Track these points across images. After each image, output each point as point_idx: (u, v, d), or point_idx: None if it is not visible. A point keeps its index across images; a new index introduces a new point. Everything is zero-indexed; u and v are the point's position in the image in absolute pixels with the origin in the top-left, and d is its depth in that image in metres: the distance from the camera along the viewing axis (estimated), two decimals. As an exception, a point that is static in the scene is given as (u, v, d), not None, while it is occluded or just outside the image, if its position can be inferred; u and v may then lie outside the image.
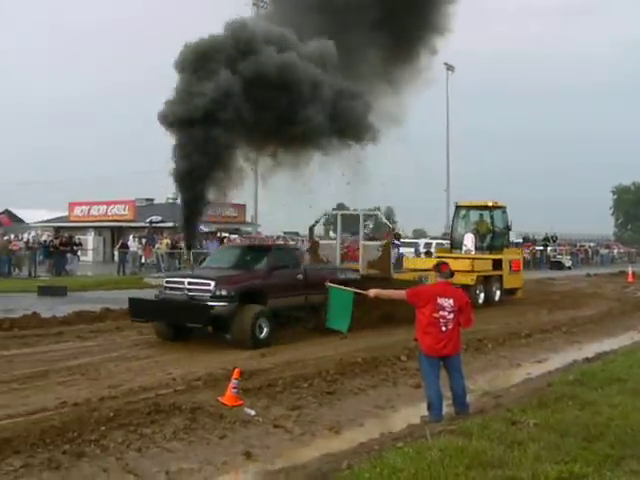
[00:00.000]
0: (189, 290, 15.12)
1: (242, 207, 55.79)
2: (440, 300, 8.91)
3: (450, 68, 65.19)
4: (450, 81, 67.24)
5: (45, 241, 37.07)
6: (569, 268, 54.92)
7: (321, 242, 21.96)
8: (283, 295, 16.10)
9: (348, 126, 18.21)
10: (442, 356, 8.99)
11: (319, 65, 17.34)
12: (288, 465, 7.75)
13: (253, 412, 9.65)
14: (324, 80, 17.34)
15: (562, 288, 33.27)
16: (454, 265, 21.94)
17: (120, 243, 38.82)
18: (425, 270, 21.87)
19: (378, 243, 21.57)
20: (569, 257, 59.55)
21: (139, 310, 15.71)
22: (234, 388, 10.03)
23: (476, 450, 6.97)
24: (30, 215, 62.01)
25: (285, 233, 52.12)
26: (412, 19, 19.45)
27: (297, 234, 51.73)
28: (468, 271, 23.44)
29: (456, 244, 26.86)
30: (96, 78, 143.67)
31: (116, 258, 38.72)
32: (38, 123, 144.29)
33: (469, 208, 27.54)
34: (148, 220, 47.90)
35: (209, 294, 14.77)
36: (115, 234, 50.90)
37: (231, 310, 14.68)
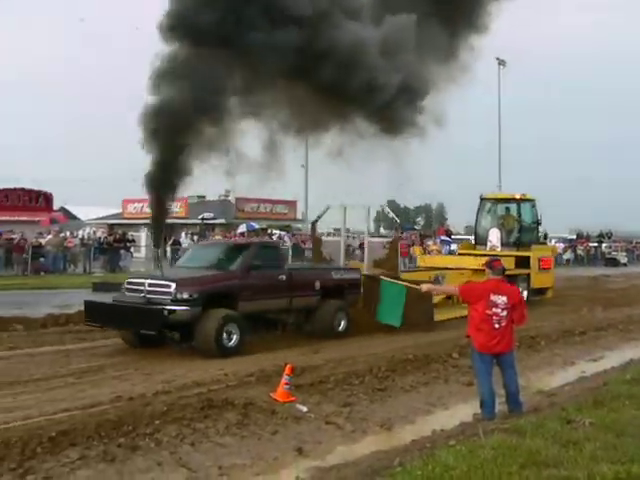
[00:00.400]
0: (149, 292, 13.65)
1: (293, 204, 56.06)
2: (493, 297, 8.82)
3: (502, 63, 64.33)
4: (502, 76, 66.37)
5: (99, 238, 37.68)
6: (625, 265, 53.97)
7: (324, 239, 20.65)
8: (260, 298, 14.63)
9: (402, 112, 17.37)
10: (495, 353, 8.90)
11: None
12: (339, 462, 7.76)
13: (305, 408, 9.67)
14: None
15: (618, 285, 32.71)
16: (469, 263, 21.52)
17: (172, 240, 39.24)
18: (441, 268, 21.15)
19: (384, 240, 20.78)
20: (625, 254, 58.47)
21: (94, 314, 14.16)
22: (286, 384, 10.07)
23: (530, 449, 6.88)
24: (85, 212, 63.05)
25: (335, 230, 52.09)
26: (455, 15, 18.91)
27: (348, 230, 51.71)
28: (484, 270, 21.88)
29: (480, 240, 25.00)
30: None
31: (168, 255, 39.14)
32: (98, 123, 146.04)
33: (495, 201, 25.69)
34: (200, 217, 48.36)
35: (169, 297, 13.28)
36: (167, 231, 51.47)
37: (194, 315, 13.29)
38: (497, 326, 8.78)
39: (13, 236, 32.82)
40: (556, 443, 7.18)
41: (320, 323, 15.87)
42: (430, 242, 37.66)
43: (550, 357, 14.33)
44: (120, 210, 58.06)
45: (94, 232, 42.63)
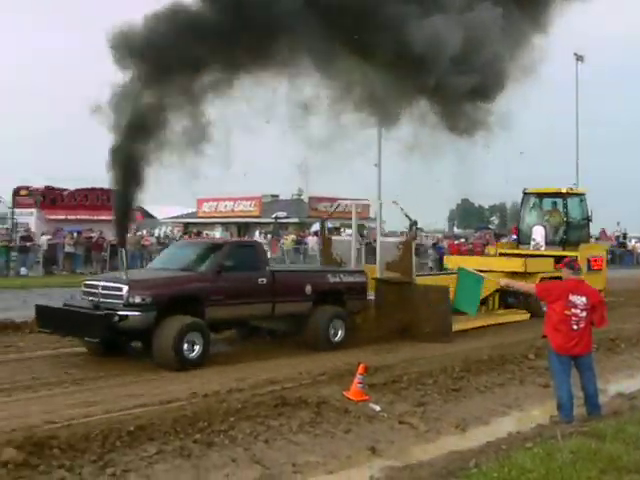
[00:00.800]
0: (102, 296, 12.48)
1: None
2: (572, 297, 8.64)
3: (580, 58, 62.89)
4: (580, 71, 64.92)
5: (175, 237, 38.35)
6: None
7: (334, 239, 18.61)
8: (234, 303, 13.07)
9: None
10: (573, 355, 8.72)
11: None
12: (413, 462, 7.71)
13: (378, 407, 9.65)
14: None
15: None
16: (502, 265, 19.86)
17: (247, 238, 39.67)
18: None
19: (398, 240, 18.45)
20: None
21: (45, 319, 13.06)
22: (359, 383, 10.06)
23: (610, 454, 6.72)
24: (161, 211, 64.18)
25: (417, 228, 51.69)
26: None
27: (420, 230, 51.37)
28: (521, 273, 19.30)
29: (524, 238, 22.68)
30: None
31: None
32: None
33: (540, 196, 23.02)
34: (274, 216, 48.75)
35: (121, 301, 12.09)
36: (241, 230, 52.11)
37: (147, 321, 11.99)
38: (575, 327, 8.60)
39: (92, 235, 33.62)
40: (638, 448, 7.00)
41: (311, 332, 14.17)
42: (504, 240, 37.07)
43: (630, 360, 13.95)
44: (195, 209, 58.96)
45: (170, 231, 43.39)
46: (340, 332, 14.41)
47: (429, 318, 14.94)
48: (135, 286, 12.22)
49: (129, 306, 11.98)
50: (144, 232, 38.43)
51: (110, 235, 33.55)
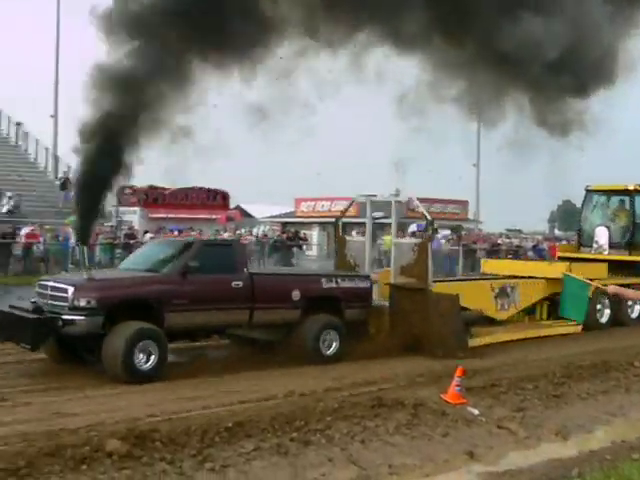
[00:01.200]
0: (50, 297, 11.44)
1: (464, 203, 55.27)
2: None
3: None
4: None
5: (273, 236, 38.74)
6: None
7: (348, 239, 16.85)
8: (200, 309, 11.74)
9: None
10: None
11: None
12: (513, 468, 7.55)
13: (476, 411, 9.48)
14: None
15: None
16: (544, 271, 17.67)
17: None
18: (510, 277, 17.28)
19: (413, 241, 16.71)
20: None
21: None
22: (457, 386, 9.91)
23: None
24: (259, 211, 65.00)
25: (508, 230, 50.93)
26: None
27: (520, 232, 50.44)
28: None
29: (586, 240, 20.67)
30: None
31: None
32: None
33: (604, 193, 21.00)
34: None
35: (66, 304, 10.99)
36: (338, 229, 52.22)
37: (93, 327, 10.90)
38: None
39: (192, 233, 34.32)
40: None
41: (298, 343, 12.65)
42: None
43: None
44: (293, 209, 59.45)
45: (269, 230, 43.89)
46: (334, 344, 12.85)
47: (441, 330, 13.51)
48: (81, 288, 11.12)
49: (74, 310, 10.86)
50: (243, 231, 38.95)
51: (209, 233, 34.26)
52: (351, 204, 16.89)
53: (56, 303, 11.20)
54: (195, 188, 43.18)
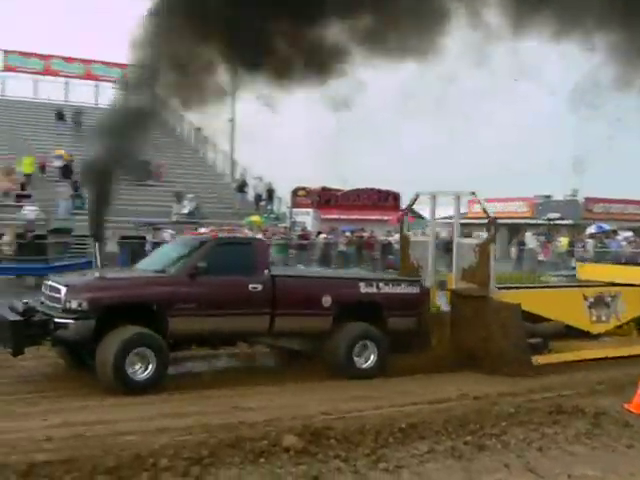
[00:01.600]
0: (48, 298, 10.80)
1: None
2: None
3: None
4: None
5: (445, 237, 38.41)
6: None
7: (413, 239, 14.94)
8: (210, 314, 10.74)
9: None
10: None
11: None
12: None
13: (663, 423, 8.96)
14: None
15: None
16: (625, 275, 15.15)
17: (517, 240, 38.79)
18: (611, 284, 14.64)
19: (474, 242, 14.37)
20: None
21: None
22: (643, 395, 9.42)
23: None
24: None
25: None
26: None
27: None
28: None
29: None
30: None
31: (512, 255, 38.74)
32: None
33: None
34: (546, 217, 47.25)
35: (60, 305, 10.28)
36: (511, 231, 51.03)
37: (84, 331, 10.08)
38: None
39: (363, 234, 34.64)
40: None
41: (330, 354, 11.53)
42: None
43: None
44: (466, 210, 58.74)
45: (440, 231, 43.56)
46: (372, 357, 11.61)
47: (501, 343, 12.07)
48: (73, 289, 10.38)
49: (66, 312, 10.15)
50: (413, 233, 38.86)
51: (381, 234, 34.45)
52: (415, 199, 14.78)
53: (51, 304, 10.57)
54: (366, 189, 43.60)
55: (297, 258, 30.57)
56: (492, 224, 13.08)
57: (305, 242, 31.75)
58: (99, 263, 11.62)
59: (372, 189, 44.02)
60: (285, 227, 33.01)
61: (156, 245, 29.02)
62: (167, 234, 29.39)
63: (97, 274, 11.31)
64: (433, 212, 14.63)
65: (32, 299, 11.10)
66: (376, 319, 11.84)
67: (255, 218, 31.26)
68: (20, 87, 41.19)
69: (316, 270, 16.25)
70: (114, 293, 10.55)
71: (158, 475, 6.59)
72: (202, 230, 19.74)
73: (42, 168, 32.83)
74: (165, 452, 7.00)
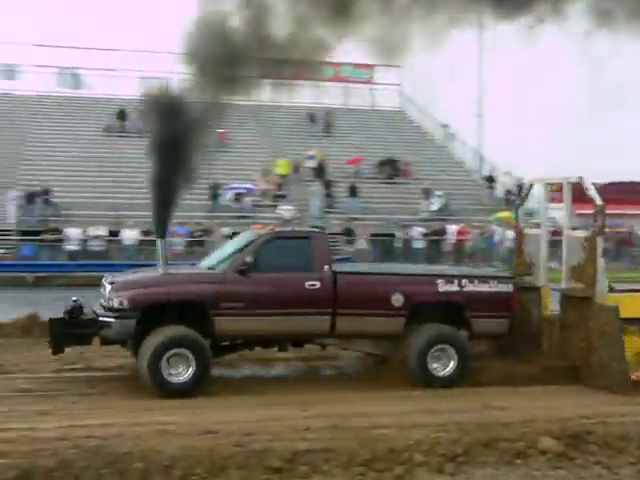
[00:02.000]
0: (102, 297, 10.35)
1: None
2: None
3: None
4: None
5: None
6: None
7: (527, 232, 13.13)
8: (262, 313, 9.90)
9: None
10: None
11: None
12: None
13: None
14: None
15: None
16: None
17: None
18: None
19: (583, 234, 11.74)
20: None
21: None
22: None
23: None
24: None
25: None
26: None
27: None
28: None
29: None
30: None
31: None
32: None
33: None
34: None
35: (105, 304, 9.99)
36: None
37: (125, 331, 9.69)
38: None
39: (621, 229, 33.07)
40: None
41: (402, 359, 10.39)
42: None
43: None
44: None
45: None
46: (452, 363, 10.36)
47: (598, 353, 10.35)
48: (116, 287, 9.97)
49: (110, 310, 9.81)
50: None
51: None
52: (531, 187, 13.30)
53: (102, 303, 10.28)
54: (624, 183, 41.56)
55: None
56: (600, 213, 11.07)
57: (557, 239, 30.72)
58: (164, 260, 10.97)
59: (632, 182, 41.81)
60: (537, 223, 32.18)
61: (405, 242, 29.76)
62: (416, 231, 29.85)
63: (150, 272, 11.11)
64: (547, 201, 13.15)
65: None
66: (458, 321, 10.71)
67: (505, 214, 30.68)
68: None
69: (392, 266, 14.58)
70: (155, 291, 10.08)
71: (412, 470, 6.70)
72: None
73: (296, 169, 34.41)
74: (420, 447, 7.05)
